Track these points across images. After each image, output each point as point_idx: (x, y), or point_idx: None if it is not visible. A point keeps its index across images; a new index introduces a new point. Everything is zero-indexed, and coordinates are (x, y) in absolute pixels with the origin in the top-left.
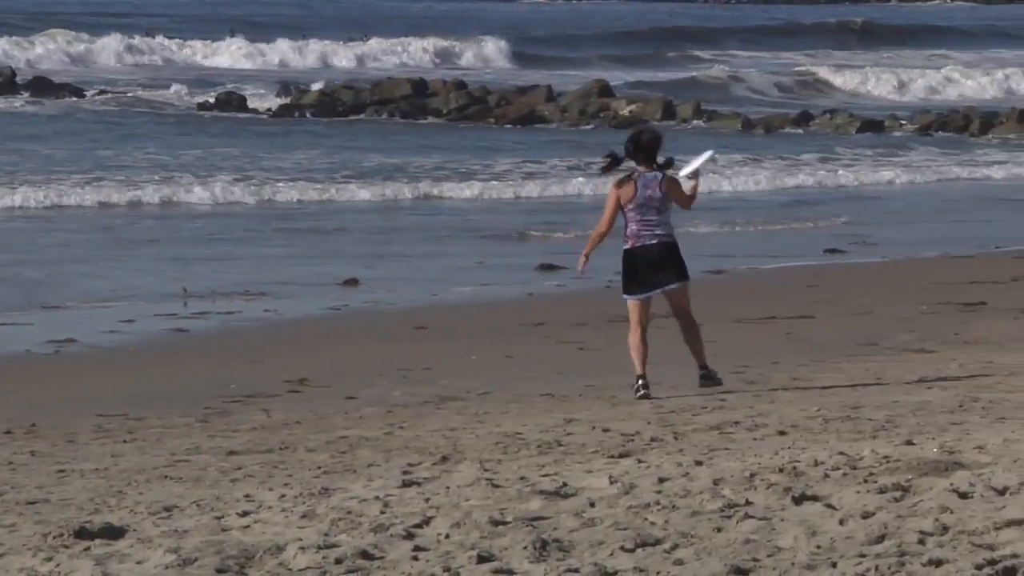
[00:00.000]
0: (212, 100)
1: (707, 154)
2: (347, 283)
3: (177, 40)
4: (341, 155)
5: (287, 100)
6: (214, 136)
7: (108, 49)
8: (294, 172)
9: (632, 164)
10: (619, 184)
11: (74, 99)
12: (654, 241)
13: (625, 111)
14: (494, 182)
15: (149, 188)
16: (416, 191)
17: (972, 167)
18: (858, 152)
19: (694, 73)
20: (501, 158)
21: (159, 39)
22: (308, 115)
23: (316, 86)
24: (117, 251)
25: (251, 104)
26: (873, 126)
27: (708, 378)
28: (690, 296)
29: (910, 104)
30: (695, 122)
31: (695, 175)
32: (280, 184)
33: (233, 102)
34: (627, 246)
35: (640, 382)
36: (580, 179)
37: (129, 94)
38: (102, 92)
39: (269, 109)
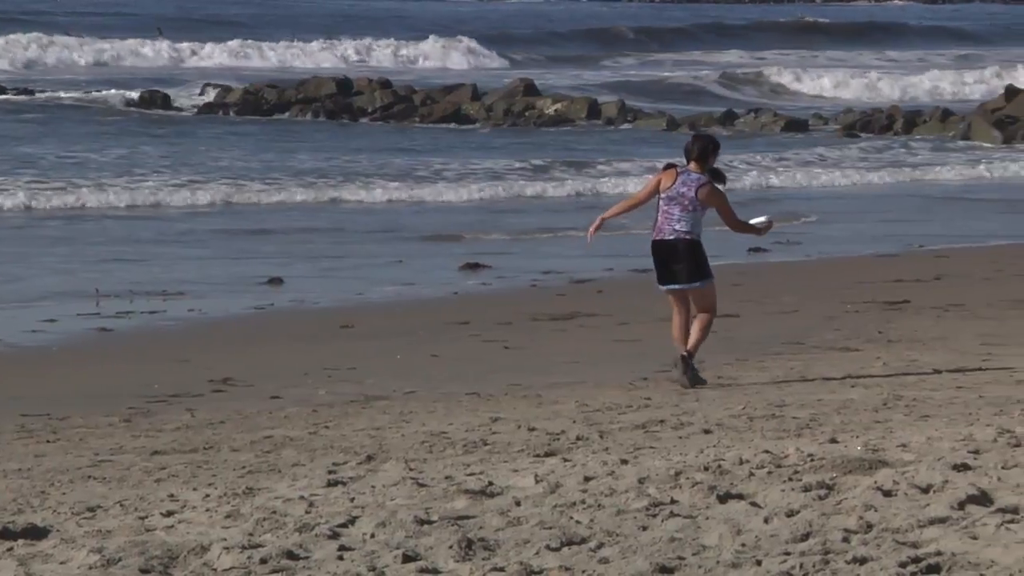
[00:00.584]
0: (136, 98)
1: (762, 220)
2: (271, 282)
3: (102, 39)
4: (264, 155)
5: (211, 99)
6: (137, 135)
7: (32, 47)
8: (214, 172)
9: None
10: (665, 168)
11: None
12: (671, 237)
13: (550, 110)
14: (416, 183)
15: (69, 188)
16: (337, 192)
17: (894, 167)
18: (780, 151)
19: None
20: (424, 158)
21: (84, 38)
22: (232, 113)
23: (240, 85)
24: (36, 251)
25: (176, 103)
26: (797, 125)
27: (685, 367)
28: (714, 295)
29: (854, 102)
30: (624, 125)
31: (764, 226)
32: (200, 184)
33: (157, 101)
34: (652, 237)
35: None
36: (502, 180)
37: (51, 93)
38: (24, 92)
39: (195, 107)
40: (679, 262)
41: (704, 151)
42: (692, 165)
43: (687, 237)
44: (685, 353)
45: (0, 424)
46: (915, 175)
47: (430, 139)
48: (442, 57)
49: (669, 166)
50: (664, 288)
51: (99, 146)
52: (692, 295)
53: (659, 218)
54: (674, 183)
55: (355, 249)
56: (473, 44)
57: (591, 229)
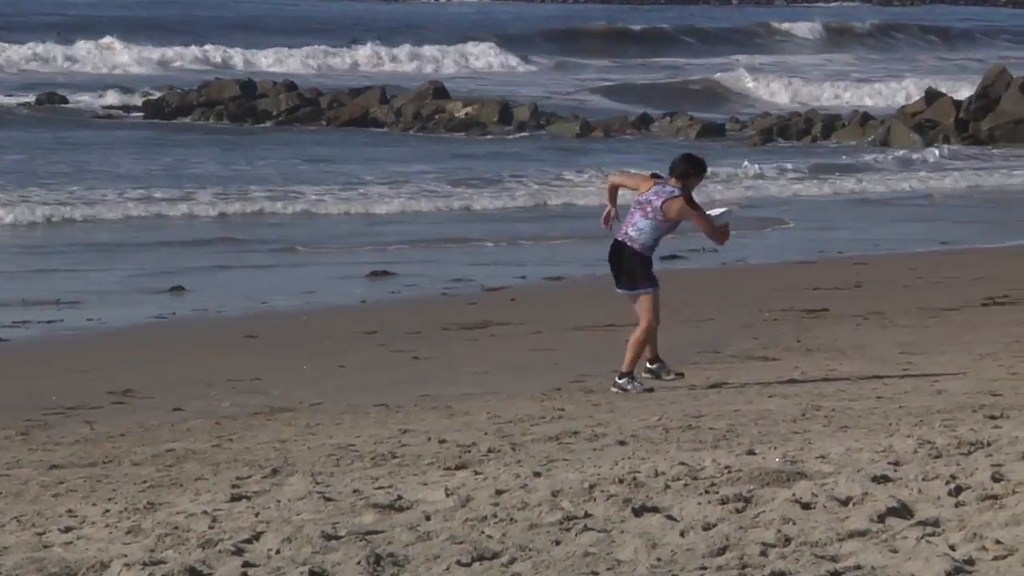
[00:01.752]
0: (32, 101)
1: (721, 210)
2: (173, 291)
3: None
4: (163, 159)
5: (114, 102)
6: (30, 140)
7: None
8: (113, 180)
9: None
10: (651, 175)
11: None
12: (621, 238)
13: (461, 113)
14: (321, 193)
15: None
16: (240, 200)
17: (813, 177)
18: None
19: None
20: (328, 165)
21: None
22: (133, 117)
23: (143, 88)
24: None
25: (74, 105)
26: (714, 131)
27: (622, 377)
28: (650, 308)
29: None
30: (538, 133)
31: (728, 218)
32: (98, 192)
33: (55, 103)
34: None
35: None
36: (410, 189)
37: None
38: None
39: (99, 111)
40: (620, 266)
41: (685, 172)
42: (672, 180)
43: (631, 244)
44: (621, 373)
45: None
46: (835, 182)
47: (336, 144)
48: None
49: (655, 175)
50: (617, 291)
51: None
52: (630, 302)
53: (625, 220)
54: (648, 190)
55: (260, 258)
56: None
57: (606, 213)
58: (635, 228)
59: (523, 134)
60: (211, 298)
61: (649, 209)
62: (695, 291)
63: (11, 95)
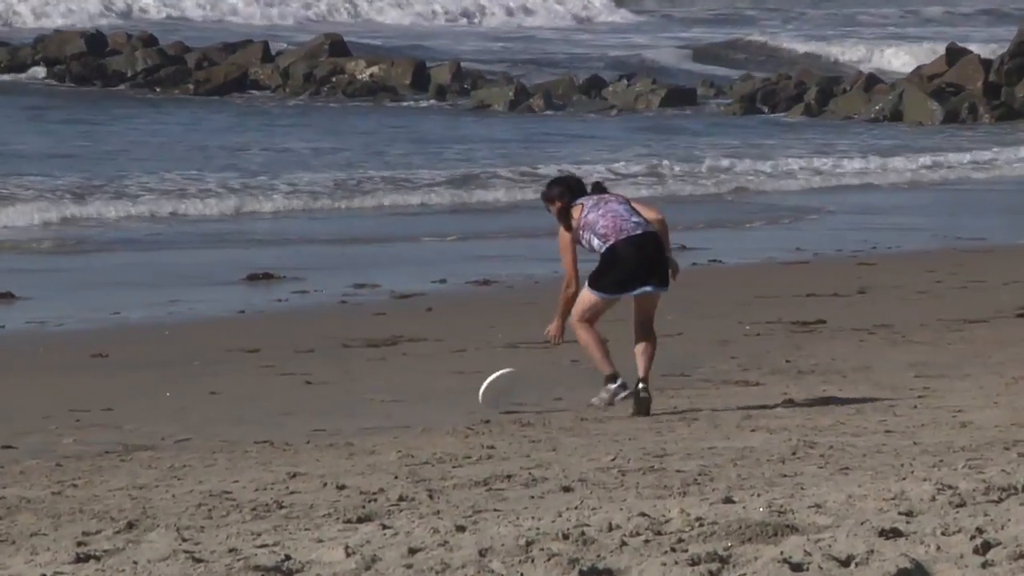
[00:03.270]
0: None
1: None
2: (0, 298)
3: None
4: None
5: None
6: None
7: None
8: None
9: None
10: (563, 212)
11: None
12: (644, 231)
13: (364, 75)
14: (185, 178)
15: None
16: (81, 190)
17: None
18: (649, 133)
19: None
20: (192, 140)
21: None
22: None
23: None
24: None
25: None
26: (682, 96)
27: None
28: (575, 307)
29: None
30: (460, 102)
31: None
32: None
33: None
34: (616, 239)
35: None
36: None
37: None
38: None
39: None
40: (655, 260)
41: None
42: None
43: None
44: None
45: None
46: (832, 166)
47: (207, 114)
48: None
49: (563, 209)
50: (635, 293)
51: None
52: (651, 302)
53: (603, 224)
54: (585, 210)
55: (108, 260)
56: None
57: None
58: (638, 217)
59: (440, 102)
60: (48, 307)
61: (618, 204)
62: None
63: None
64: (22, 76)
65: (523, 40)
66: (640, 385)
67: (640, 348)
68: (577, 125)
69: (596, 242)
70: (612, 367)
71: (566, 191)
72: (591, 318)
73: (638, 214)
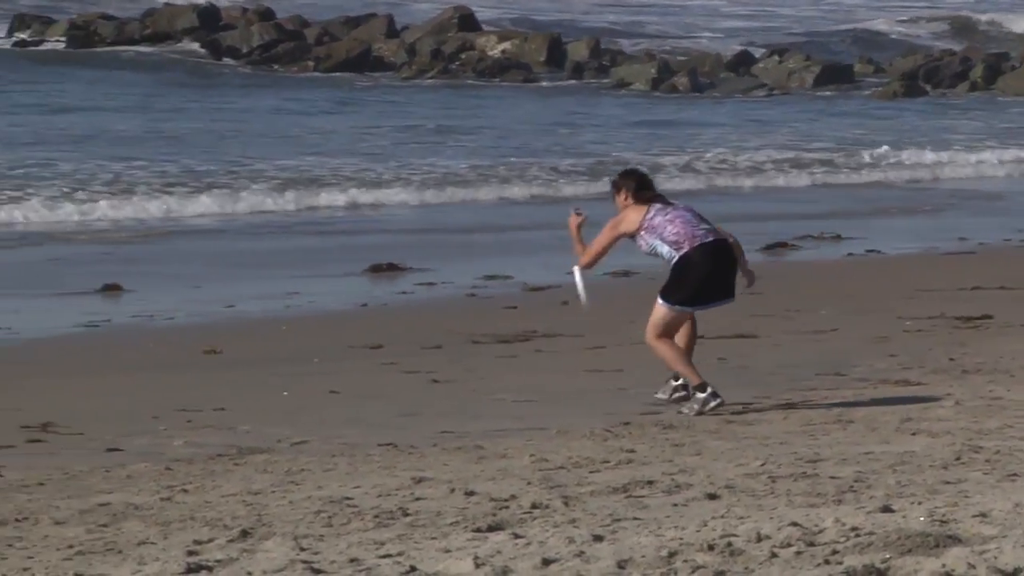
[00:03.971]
0: None
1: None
2: (107, 290)
3: None
4: (89, 118)
5: (25, 35)
6: None
7: None
8: (13, 143)
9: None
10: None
11: None
12: (718, 239)
13: (496, 51)
14: (300, 166)
15: None
16: (197, 178)
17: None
18: (817, 113)
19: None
20: (313, 127)
21: None
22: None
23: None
24: None
25: None
26: (838, 73)
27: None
28: (650, 322)
29: None
30: (600, 81)
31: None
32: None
33: None
34: (692, 245)
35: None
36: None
37: None
38: None
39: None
40: (729, 272)
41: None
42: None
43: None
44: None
45: None
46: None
47: (327, 94)
48: None
49: (639, 192)
50: (703, 308)
51: None
52: (692, 317)
53: (673, 230)
54: (652, 212)
55: (223, 248)
56: None
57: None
58: (707, 224)
59: (576, 81)
60: (157, 300)
61: (685, 211)
62: (810, 292)
63: None
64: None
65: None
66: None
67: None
68: (718, 108)
69: (664, 249)
70: (700, 377)
71: (637, 186)
72: (666, 333)
73: (706, 221)
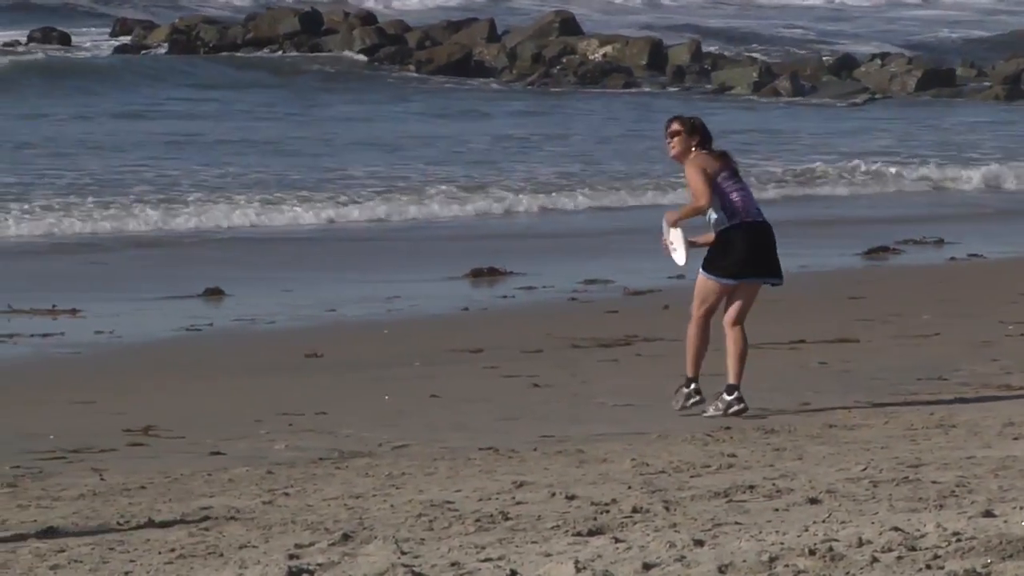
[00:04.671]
0: (24, 40)
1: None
2: (209, 294)
3: None
4: (195, 124)
5: (129, 39)
6: (26, 87)
7: None
8: (131, 149)
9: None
10: (701, 148)
11: None
12: (762, 219)
13: (597, 55)
14: (401, 174)
15: None
16: (295, 184)
17: None
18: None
19: None
20: (413, 132)
21: None
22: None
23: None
24: None
25: (78, 42)
26: (941, 77)
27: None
28: (695, 296)
29: None
30: (701, 86)
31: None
32: (114, 164)
33: (53, 41)
34: (738, 220)
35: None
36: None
37: None
38: None
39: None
40: (773, 250)
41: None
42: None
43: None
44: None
45: None
46: None
47: (426, 99)
48: None
49: (703, 145)
50: (750, 281)
51: None
52: (754, 294)
53: (735, 198)
54: (722, 162)
55: (322, 255)
56: None
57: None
58: (757, 204)
59: (678, 86)
60: (259, 304)
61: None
62: (912, 297)
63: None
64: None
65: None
66: (735, 394)
67: (733, 350)
68: (819, 112)
69: (718, 214)
70: (696, 372)
71: (705, 140)
72: (709, 309)
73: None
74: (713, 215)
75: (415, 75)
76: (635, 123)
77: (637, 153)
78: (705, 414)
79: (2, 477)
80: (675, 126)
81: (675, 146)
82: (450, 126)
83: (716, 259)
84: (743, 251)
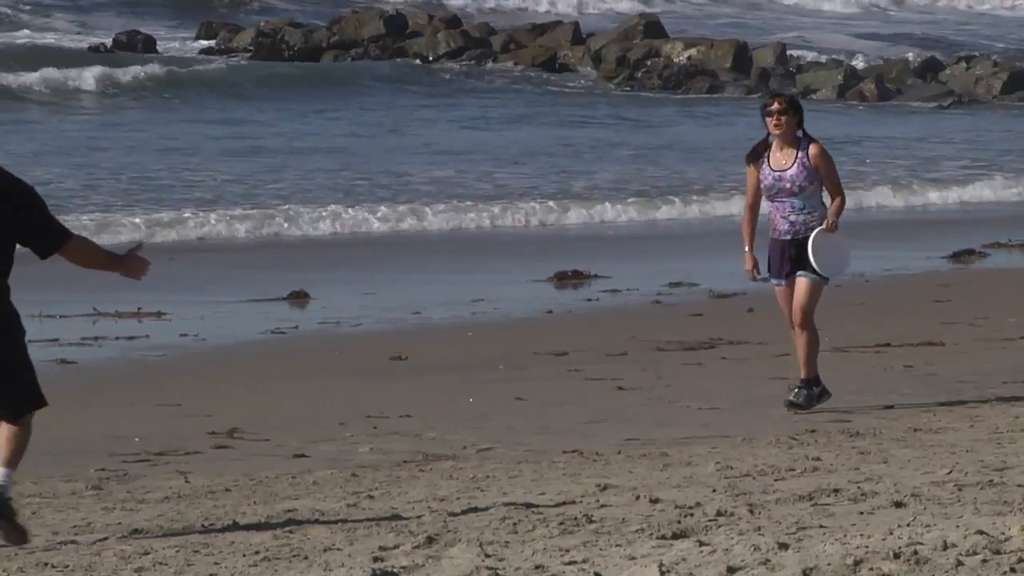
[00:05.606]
0: (109, 44)
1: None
2: (294, 297)
3: None
4: (283, 126)
5: (213, 43)
6: (112, 98)
7: None
8: (213, 152)
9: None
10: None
11: None
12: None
13: (682, 58)
14: (484, 175)
15: None
16: (381, 187)
17: None
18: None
19: None
20: (498, 131)
21: None
22: (241, 63)
23: (253, 24)
24: None
25: (162, 47)
26: None
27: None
28: (817, 296)
29: None
30: (792, 88)
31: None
32: (190, 170)
33: (137, 45)
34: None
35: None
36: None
37: None
38: None
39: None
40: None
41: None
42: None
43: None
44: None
45: None
46: None
47: (507, 100)
48: None
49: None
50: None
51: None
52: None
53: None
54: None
55: (407, 257)
56: None
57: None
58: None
59: (760, 92)
60: (344, 307)
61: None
62: (999, 299)
63: (82, 34)
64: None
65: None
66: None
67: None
68: (905, 116)
69: (820, 210)
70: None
71: (801, 113)
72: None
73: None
74: (804, 215)
75: (498, 76)
76: (717, 126)
77: (721, 159)
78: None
79: (87, 479)
80: (780, 104)
81: (781, 125)
82: (533, 130)
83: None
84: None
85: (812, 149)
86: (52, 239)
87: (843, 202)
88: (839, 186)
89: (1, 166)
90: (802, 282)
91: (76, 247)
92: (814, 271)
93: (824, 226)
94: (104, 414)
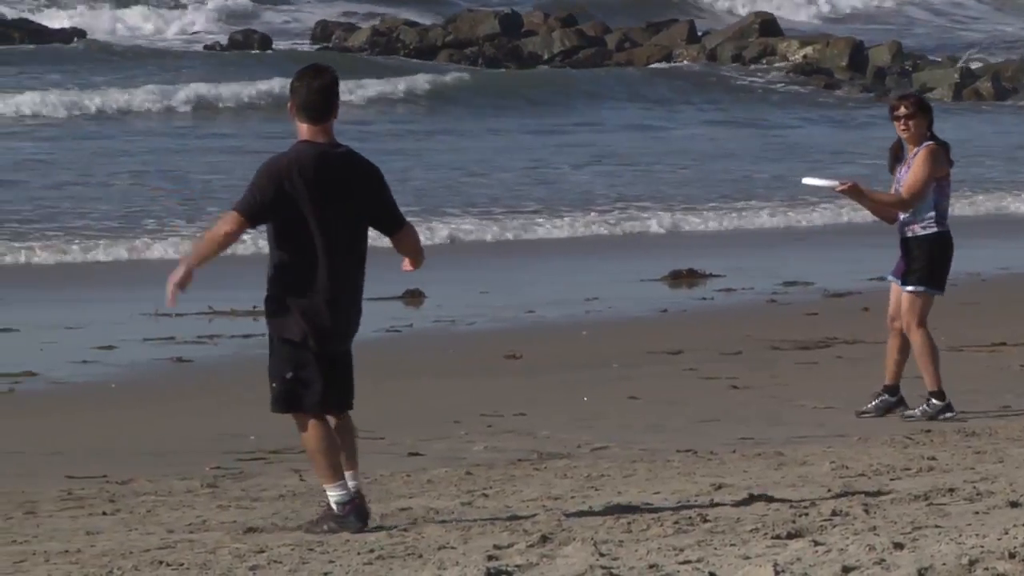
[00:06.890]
0: (225, 42)
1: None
2: (409, 296)
3: None
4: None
5: (329, 43)
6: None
7: None
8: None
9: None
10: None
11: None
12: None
13: (798, 56)
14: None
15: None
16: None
17: None
18: None
19: None
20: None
21: None
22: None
23: (368, 23)
24: None
25: (278, 46)
26: None
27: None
28: (912, 307)
29: None
30: (908, 88)
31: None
32: None
33: (254, 43)
34: (939, 228)
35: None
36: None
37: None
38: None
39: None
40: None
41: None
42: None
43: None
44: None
45: (39, 489)
46: None
47: (628, 94)
48: None
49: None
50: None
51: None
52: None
53: (946, 204)
54: (951, 164)
55: (522, 257)
56: None
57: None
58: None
59: (876, 91)
60: (458, 305)
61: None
62: None
63: (196, 32)
64: (432, 62)
65: None
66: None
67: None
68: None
69: (920, 216)
70: (938, 384)
71: (930, 115)
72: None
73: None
74: (907, 214)
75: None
76: (831, 126)
77: (839, 160)
78: (906, 415)
79: (203, 478)
80: (907, 108)
81: (909, 129)
82: (644, 134)
83: (935, 271)
84: (950, 261)
85: (921, 151)
86: (397, 220)
87: (898, 202)
88: (911, 187)
89: (352, 150)
90: (897, 290)
91: (410, 231)
92: (910, 281)
93: (839, 184)
94: (219, 412)
